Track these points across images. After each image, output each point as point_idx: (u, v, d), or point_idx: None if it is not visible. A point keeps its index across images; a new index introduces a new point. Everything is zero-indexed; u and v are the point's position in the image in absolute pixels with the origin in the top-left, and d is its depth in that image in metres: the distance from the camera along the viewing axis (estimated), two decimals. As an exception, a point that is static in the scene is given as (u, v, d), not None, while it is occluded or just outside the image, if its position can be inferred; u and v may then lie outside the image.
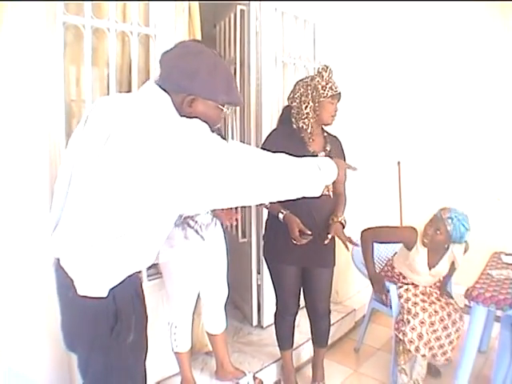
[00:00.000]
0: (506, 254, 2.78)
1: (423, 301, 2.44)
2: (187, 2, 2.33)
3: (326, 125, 2.23)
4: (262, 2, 2.76)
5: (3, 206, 1.74)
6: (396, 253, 2.73)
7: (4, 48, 1.68)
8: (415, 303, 2.42)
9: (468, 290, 2.26)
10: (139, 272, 1.42)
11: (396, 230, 2.75)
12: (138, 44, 2.14)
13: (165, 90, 1.25)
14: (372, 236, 2.60)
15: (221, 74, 1.29)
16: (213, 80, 1.26)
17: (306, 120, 2.14)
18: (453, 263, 2.51)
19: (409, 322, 2.35)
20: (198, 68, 1.23)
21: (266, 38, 2.80)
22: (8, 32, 1.68)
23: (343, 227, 2.19)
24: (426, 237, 2.43)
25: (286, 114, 2.26)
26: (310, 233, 2.04)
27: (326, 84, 2.11)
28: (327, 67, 2.16)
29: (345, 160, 2.34)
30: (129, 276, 1.29)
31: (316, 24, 3.21)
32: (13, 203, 1.76)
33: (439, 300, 2.49)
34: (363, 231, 2.61)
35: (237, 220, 1.97)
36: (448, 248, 2.47)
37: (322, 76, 2.13)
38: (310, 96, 2.12)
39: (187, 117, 1.24)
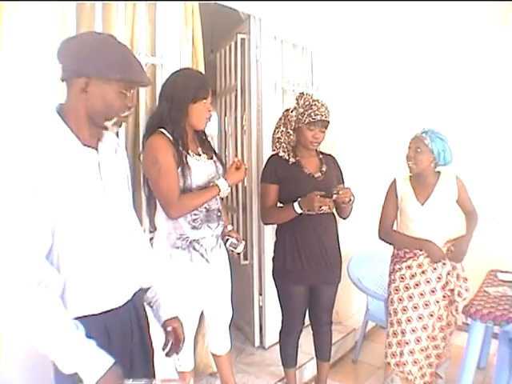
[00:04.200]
0: (502, 272, 2.85)
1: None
2: (191, 32, 2.43)
3: (307, 149, 2.29)
4: (262, 30, 2.86)
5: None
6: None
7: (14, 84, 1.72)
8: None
9: (466, 307, 2.32)
10: None
11: (385, 201, 2.52)
12: (145, 73, 2.22)
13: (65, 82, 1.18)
14: (385, 227, 2.46)
15: (112, 48, 1.16)
16: (101, 55, 1.13)
17: (277, 144, 2.28)
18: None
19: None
20: (83, 44, 1.13)
21: (266, 65, 2.91)
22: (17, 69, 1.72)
23: (349, 201, 2.14)
24: (409, 160, 2.36)
25: None
26: (329, 196, 2.06)
27: (304, 111, 2.18)
28: (302, 94, 2.26)
29: (342, 176, 2.42)
30: None
31: (313, 51, 3.34)
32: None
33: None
34: (380, 235, 2.49)
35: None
36: (439, 178, 2.40)
37: (298, 104, 2.23)
38: (281, 122, 2.28)
39: (89, 109, 1.16)
